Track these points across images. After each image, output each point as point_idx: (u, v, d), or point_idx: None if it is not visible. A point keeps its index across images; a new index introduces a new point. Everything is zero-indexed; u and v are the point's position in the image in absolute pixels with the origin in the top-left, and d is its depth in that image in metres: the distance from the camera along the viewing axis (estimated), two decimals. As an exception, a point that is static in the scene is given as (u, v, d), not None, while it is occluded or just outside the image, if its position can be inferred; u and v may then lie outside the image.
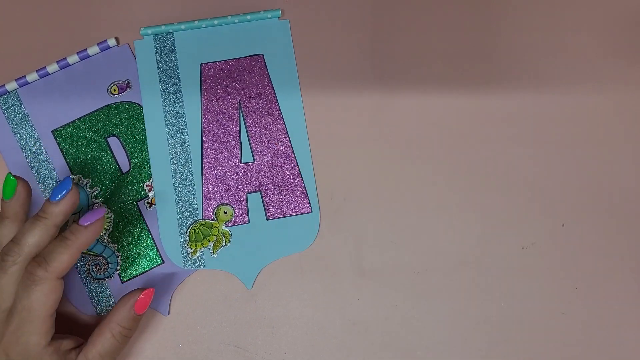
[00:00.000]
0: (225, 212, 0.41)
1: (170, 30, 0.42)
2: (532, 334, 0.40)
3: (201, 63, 0.42)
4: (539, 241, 0.41)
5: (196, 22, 0.42)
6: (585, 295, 0.40)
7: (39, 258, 0.33)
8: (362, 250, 0.41)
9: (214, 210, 0.41)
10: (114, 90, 0.42)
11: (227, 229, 0.41)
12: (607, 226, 0.41)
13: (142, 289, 0.36)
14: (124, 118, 0.42)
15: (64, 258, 0.33)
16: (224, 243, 0.41)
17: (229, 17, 0.42)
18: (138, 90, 0.42)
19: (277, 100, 0.42)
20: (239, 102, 0.41)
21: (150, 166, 0.41)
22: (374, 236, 0.41)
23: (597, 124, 0.42)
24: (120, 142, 0.42)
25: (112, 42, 0.42)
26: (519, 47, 0.43)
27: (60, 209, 0.34)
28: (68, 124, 0.42)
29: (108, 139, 0.42)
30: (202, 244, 0.40)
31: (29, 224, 0.34)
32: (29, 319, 0.32)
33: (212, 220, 0.41)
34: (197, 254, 0.40)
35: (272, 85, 0.42)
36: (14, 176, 0.36)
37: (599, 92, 0.42)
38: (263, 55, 0.42)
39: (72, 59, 0.42)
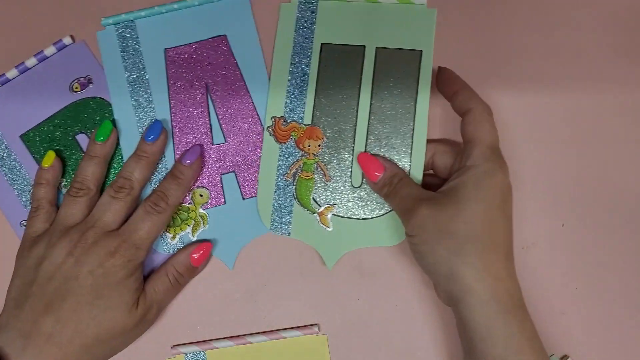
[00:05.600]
0: (200, 195, 0.40)
1: (131, 18, 0.41)
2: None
3: (165, 48, 0.41)
4: (539, 241, 0.40)
5: (156, 8, 0.41)
6: (585, 295, 0.40)
7: (159, 192, 0.37)
8: (362, 250, 0.40)
9: (189, 193, 0.40)
10: (76, 87, 0.42)
11: (204, 212, 0.40)
12: (607, 226, 0.41)
13: (205, 243, 0.39)
14: (90, 114, 0.42)
15: (179, 194, 0.38)
16: (202, 226, 0.40)
17: (189, 0, 0.41)
18: (100, 84, 0.42)
19: (244, 79, 0.41)
20: (206, 85, 0.41)
21: (122, 157, 0.41)
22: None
23: (597, 124, 0.41)
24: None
25: (67, 40, 0.42)
26: (519, 47, 0.42)
27: (158, 148, 0.38)
28: (35, 127, 0.42)
29: (76, 137, 0.42)
30: (181, 228, 0.40)
31: (133, 162, 0.38)
32: (140, 245, 0.36)
33: (189, 204, 0.40)
34: (177, 239, 0.40)
35: (238, 65, 0.41)
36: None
37: (599, 92, 0.41)
38: (226, 35, 0.42)
39: (30, 62, 0.42)
